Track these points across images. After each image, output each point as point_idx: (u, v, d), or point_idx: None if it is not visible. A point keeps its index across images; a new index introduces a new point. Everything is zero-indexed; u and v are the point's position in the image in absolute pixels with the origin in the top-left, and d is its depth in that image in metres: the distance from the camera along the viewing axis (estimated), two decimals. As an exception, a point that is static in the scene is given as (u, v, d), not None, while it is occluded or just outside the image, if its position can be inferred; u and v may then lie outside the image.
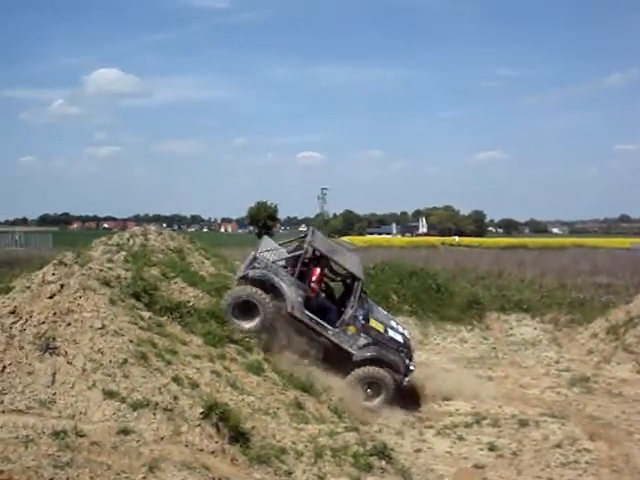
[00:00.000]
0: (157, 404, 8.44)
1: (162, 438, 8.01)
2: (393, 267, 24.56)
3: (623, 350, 18.54)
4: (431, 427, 13.25)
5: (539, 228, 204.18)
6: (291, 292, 13.69)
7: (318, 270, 14.26)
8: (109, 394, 8.40)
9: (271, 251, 14.78)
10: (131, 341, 9.75)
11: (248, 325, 13.34)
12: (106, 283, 11.62)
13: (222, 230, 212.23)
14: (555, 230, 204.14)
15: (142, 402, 8.37)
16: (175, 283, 13.71)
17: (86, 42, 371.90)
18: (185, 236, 18.90)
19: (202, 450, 8.14)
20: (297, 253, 14.26)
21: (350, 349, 13.92)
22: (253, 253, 14.21)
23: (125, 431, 7.82)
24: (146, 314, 11.35)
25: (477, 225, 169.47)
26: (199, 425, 8.44)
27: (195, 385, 9.61)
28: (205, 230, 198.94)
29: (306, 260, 14.28)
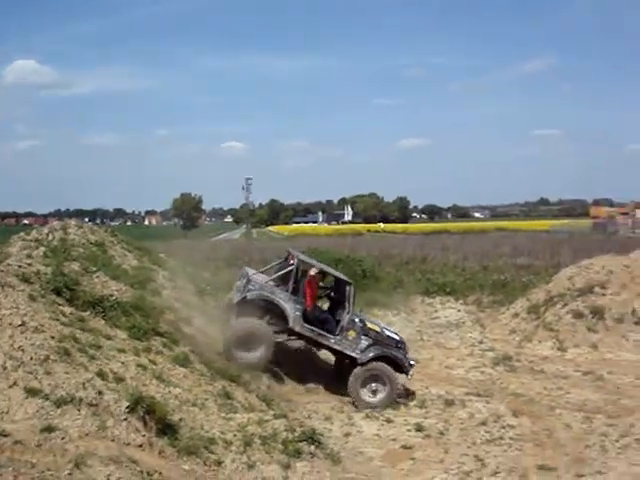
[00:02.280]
0: (81, 400, 8.27)
1: (87, 434, 7.86)
2: (319, 255, 24.66)
3: (544, 328, 19.10)
4: (359, 411, 13.39)
5: (461, 213, 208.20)
6: (289, 308, 13.85)
7: (309, 283, 14.35)
8: (31, 392, 8.19)
9: (259, 274, 14.89)
10: (53, 337, 9.53)
11: (251, 357, 13.54)
12: (25, 279, 11.35)
13: (146, 223, 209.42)
14: (477, 215, 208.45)
15: (66, 398, 8.18)
16: (97, 277, 13.45)
17: (1, 33, 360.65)
18: (106, 229, 18.57)
19: (129, 444, 8.02)
20: (287, 270, 14.33)
21: (353, 353, 14.13)
22: (245, 278, 14.25)
23: (49, 428, 7.65)
24: (68, 309, 11.13)
25: (401, 212, 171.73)
26: (125, 419, 8.31)
27: (120, 379, 9.46)
28: (129, 223, 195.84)
29: (298, 275, 14.35)
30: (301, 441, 9.77)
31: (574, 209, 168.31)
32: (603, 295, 19.34)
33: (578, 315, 18.92)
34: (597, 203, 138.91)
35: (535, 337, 18.95)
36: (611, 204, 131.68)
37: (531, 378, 15.78)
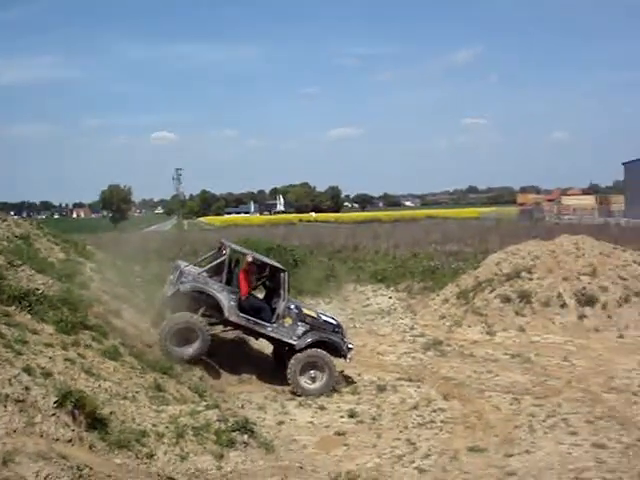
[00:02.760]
0: (8, 396, 8.06)
1: (15, 430, 7.67)
2: (251, 245, 24.59)
3: (473, 313, 19.49)
4: (293, 399, 13.43)
5: (393, 202, 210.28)
6: (224, 298, 13.76)
7: (245, 273, 14.29)
8: (-45, 390, 7.97)
9: (192, 266, 14.76)
10: (-24, 333, 9.29)
11: (187, 351, 13.43)
12: (-54, 275, 11.00)
13: (74, 216, 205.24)
14: (408, 203, 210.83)
15: (-9, 395, 7.99)
16: (22, 271, 13.09)
17: None
18: (32, 222, 18.11)
19: (58, 439, 7.87)
20: (219, 260, 14.23)
21: (290, 340, 14.11)
22: (177, 271, 14.13)
23: (-26, 427, 7.46)
24: (-8, 305, 10.83)
25: (333, 201, 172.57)
26: (54, 414, 8.14)
27: (48, 374, 9.25)
28: (56, 216, 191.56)
29: (231, 265, 14.28)
30: (234, 431, 9.73)
31: (502, 196, 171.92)
32: (530, 280, 19.83)
33: (506, 299, 19.37)
34: (524, 190, 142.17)
35: (464, 322, 19.32)
36: (537, 191, 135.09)
37: (461, 362, 16.07)
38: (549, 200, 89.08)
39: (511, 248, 22.19)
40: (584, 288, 19.25)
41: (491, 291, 19.96)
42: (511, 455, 10.36)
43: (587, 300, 18.95)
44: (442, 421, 12.06)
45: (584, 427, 11.32)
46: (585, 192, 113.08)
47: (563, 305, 18.93)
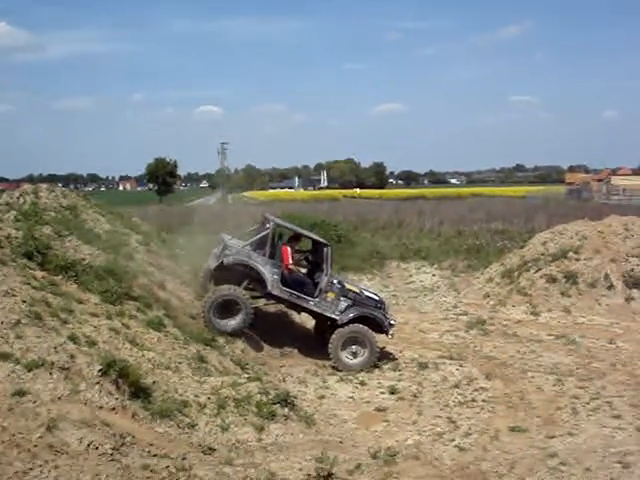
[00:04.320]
0: (53, 363, 8.22)
1: (60, 397, 7.82)
2: (295, 219, 24.58)
3: (517, 293, 19.24)
4: (334, 374, 13.45)
5: (438, 179, 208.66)
6: (267, 272, 13.82)
7: (288, 246, 14.38)
8: (2, 356, 8.10)
9: (236, 239, 14.88)
10: (24, 301, 9.45)
11: (230, 323, 13.57)
12: (-5, 243, 11.20)
13: (120, 188, 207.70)
14: (453, 181, 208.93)
15: (37, 362, 8.11)
16: (69, 241, 13.30)
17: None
18: (79, 193, 18.34)
19: (102, 407, 8.00)
20: (263, 234, 14.28)
21: (333, 315, 14.17)
22: (221, 244, 14.26)
23: (20, 392, 7.59)
24: (39, 274, 11.03)
25: (378, 177, 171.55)
26: (98, 383, 8.28)
27: (93, 343, 9.41)
28: (103, 189, 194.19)
29: (274, 239, 14.37)
30: (275, 404, 9.81)
31: (549, 175, 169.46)
32: (577, 260, 19.48)
33: (551, 280, 19.08)
34: (572, 169, 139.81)
35: (509, 301, 19.08)
36: (586, 170, 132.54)
37: (504, 342, 15.91)
38: (598, 180, 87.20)
39: (558, 228, 21.83)
40: (632, 270, 18.89)
41: (537, 271, 19.68)
42: (553, 437, 10.26)
43: (635, 282, 18.60)
44: (483, 400, 11.96)
45: (628, 410, 11.13)
46: (635, 172, 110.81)
47: (610, 287, 18.59)
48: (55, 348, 8.55)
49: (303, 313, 15.13)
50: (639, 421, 10.64)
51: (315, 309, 14.26)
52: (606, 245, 19.88)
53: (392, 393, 12.30)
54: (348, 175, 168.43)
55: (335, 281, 14.36)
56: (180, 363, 10.51)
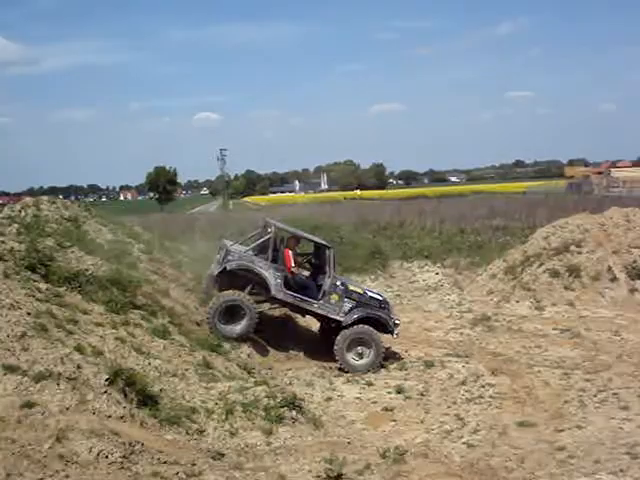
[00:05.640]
0: (60, 374, 8.24)
1: (68, 408, 7.85)
2: (296, 223, 24.63)
3: (521, 288, 19.28)
4: (340, 376, 13.47)
5: (438, 178, 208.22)
6: (270, 276, 13.88)
7: (290, 250, 14.41)
8: (9, 369, 8.13)
9: (238, 244, 14.90)
10: (29, 313, 9.47)
11: (236, 329, 13.64)
12: (-1, 257, 11.24)
13: (122, 198, 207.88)
14: (453, 179, 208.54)
15: (44, 374, 8.14)
16: (72, 252, 13.35)
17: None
18: (80, 204, 18.39)
19: (110, 416, 8.02)
20: (265, 238, 14.33)
21: (337, 316, 14.21)
22: (224, 250, 14.23)
23: (29, 404, 7.61)
24: (43, 285, 11.05)
25: (378, 178, 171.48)
26: (105, 392, 8.30)
27: (99, 353, 9.44)
28: (104, 199, 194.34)
29: (276, 243, 14.43)
30: (282, 407, 9.82)
31: (549, 170, 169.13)
32: (579, 253, 19.51)
33: (555, 274, 19.10)
34: (572, 163, 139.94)
35: (513, 297, 19.11)
36: (586, 164, 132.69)
37: (509, 337, 15.92)
38: (598, 173, 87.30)
39: (559, 222, 21.82)
40: (635, 261, 18.91)
41: (539, 265, 19.70)
42: (561, 430, 10.26)
43: (638, 273, 18.62)
44: (491, 396, 11.96)
45: (636, 402, 11.11)
46: (635, 164, 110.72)
47: (613, 279, 18.60)
48: (61, 359, 8.57)
49: (308, 316, 15.15)
50: (647, 412, 10.65)
51: (319, 311, 14.28)
52: (608, 237, 19.90)
53: (399, 392, 12.31)
54: (348, 177, 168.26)
55: (338, 283, 14.38)
56: (186, 370, 10.53)
